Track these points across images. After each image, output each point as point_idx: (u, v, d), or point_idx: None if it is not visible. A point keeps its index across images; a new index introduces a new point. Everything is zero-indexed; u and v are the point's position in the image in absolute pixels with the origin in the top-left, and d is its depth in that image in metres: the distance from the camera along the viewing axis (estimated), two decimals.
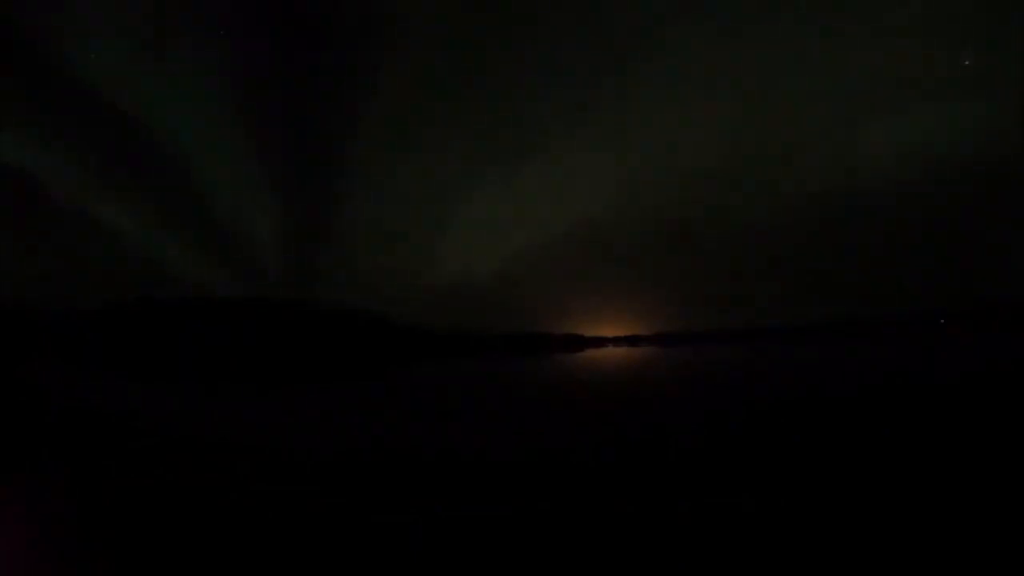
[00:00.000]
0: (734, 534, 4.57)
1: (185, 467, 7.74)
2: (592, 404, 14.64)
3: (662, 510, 5.27)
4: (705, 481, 6.23)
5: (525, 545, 4.49)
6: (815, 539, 4.40)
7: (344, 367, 42.96)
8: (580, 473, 6.85)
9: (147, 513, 5.56)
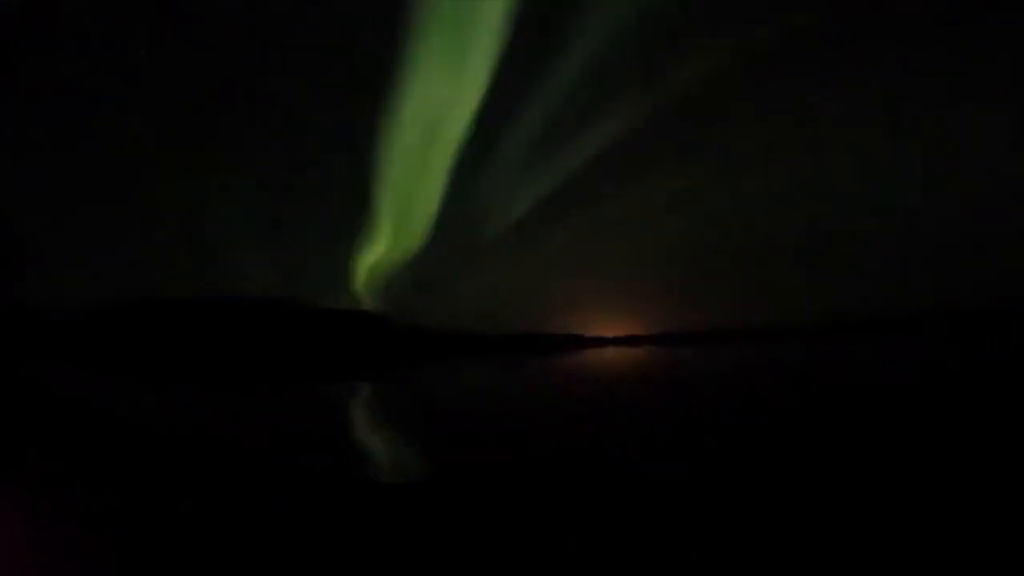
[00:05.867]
0: (735, 535, 4.55)
1: (185, 467, 7.71)
2: (592, 405, 14.61)
3: (663, 511, 5.24)
4: (706, 482, 6.21)
5: (525, 546, 4.47)
6: (816, 540, 4.38)
7: (344, 367, 42.92)
8: (580, 474, 6.83)
9: (146, 513, 5.54)
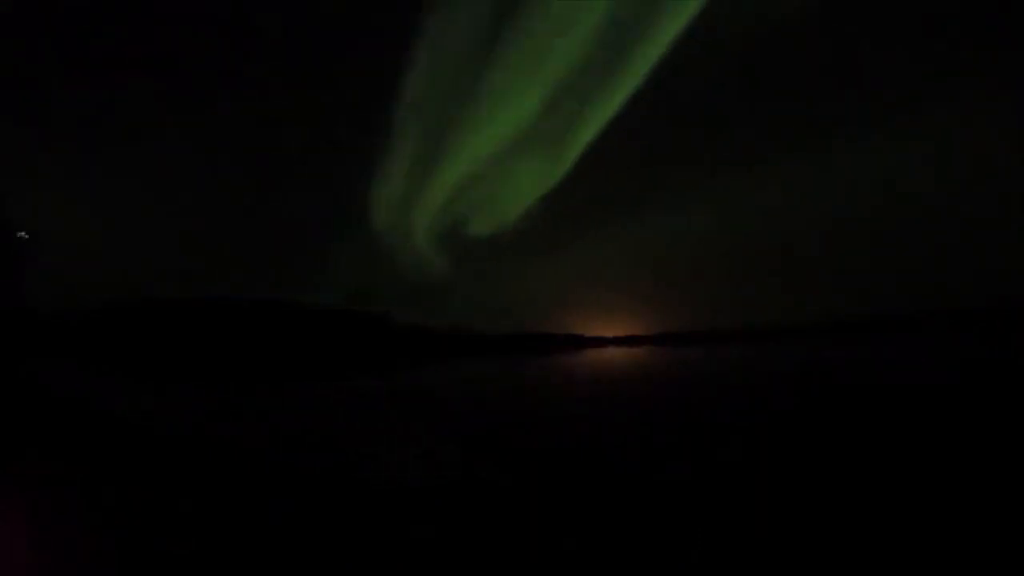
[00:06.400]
0: (735, 535, 4.55)
1: (185, 467, 7.71)
2: (592, 405, 14.61)
3: (663, 511, 5.24)
4: (706, 482, 6.21)
5: (525, 546, 4.47)
6: (816, 540, 4.38)
7: (344, 367, 42.93)
8: (580, 474, 6.83)
9: (146, 513, 5.53)
